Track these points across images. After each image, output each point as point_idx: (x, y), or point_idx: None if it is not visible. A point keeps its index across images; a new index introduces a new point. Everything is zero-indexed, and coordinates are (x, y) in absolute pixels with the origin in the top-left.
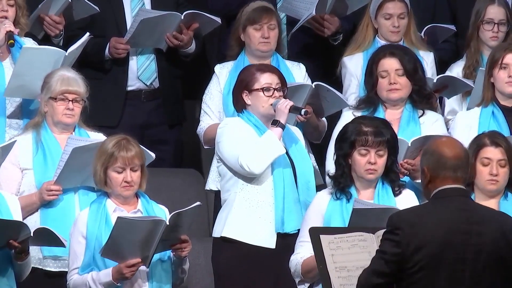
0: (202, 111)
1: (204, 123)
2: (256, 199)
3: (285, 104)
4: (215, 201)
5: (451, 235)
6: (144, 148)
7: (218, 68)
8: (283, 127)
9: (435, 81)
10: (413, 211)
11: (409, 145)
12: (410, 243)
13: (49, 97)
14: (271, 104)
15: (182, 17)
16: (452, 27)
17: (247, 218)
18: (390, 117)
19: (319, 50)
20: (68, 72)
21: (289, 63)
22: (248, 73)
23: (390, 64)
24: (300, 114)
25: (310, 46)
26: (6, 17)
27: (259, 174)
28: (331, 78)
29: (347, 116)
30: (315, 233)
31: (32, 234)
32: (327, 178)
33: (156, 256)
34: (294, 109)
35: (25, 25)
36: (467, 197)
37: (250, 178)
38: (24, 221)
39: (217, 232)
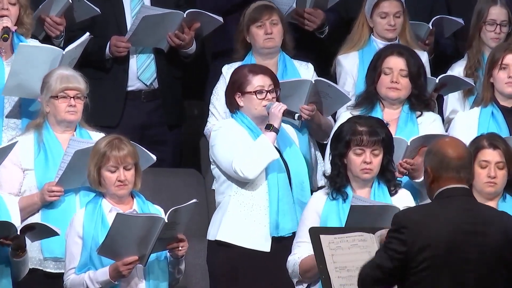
0: (209, 112)
1: (211, 124)
2: (250, 203)
3: (278, 108)
4: None
5: (455, 235)
6: (145, 150)
7: (225, 68)
8: (276, 131)
9: (437, 81)
10: (418, 211)
11: (408, 144)
12: (415, 242)
13: (50, 96)
14: (264, 106)
15: (185, 16)
16: (460, 20)
17: (242, 222)
18: (388, 117)
19: (307, 45)
20: (66, 70)
21: (296, 63)
22: (240, 75)
23: (396, 63)
24: (294, 118)
25: (302, 42)
26: (7, 16)
27: (253, 179)
28: (321, 72)
29: (345, 116)
30: (315, 233)
31: (19, 232)
32: (324, 178)
33: (153, 256)
34: (287, 113)
35: (29, 25)
36: (470, 196)
37: (244, 182)
38: (24, 222)
39: (211, 235)
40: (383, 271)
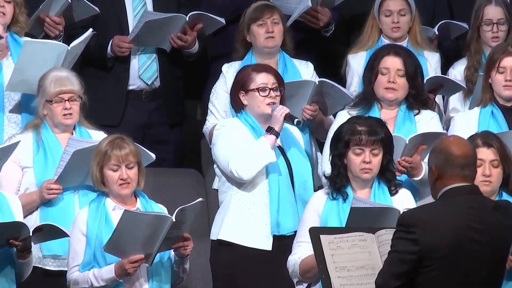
0: (208, 111)
1: (210, 123)
2: (252, 201)
3: (280, 112)
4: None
5: (463, 234)
6: (144, 148)
7: (225, 67)
8: (277, 134)
9: (425, 81)
10: (425, 210)
11: (407, 142)
12: (427, 241)
13: (45, 100)
14: (267, 104)
15: (187, 19)
16: (465, 24)
17: (243, 221)
18: (386, 116)
19: (307, 45)
20: (60, 71)
21: (296, 62)
22: (244, 73)
23: (393, 62)
24: (293, 123)
25: (302, 41)
26: (3, 13)
27: (248, 180)
28: (322, 72)
29: (342, 116)
30: (315, 233)
31: (31, 234)
32: (323, 178)
33: (157, 256)
34: (288, 117)
35: (23, 23)
36: (476, 194)
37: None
38: (24, 220)
39: (214, 234)
40: (398, 277)
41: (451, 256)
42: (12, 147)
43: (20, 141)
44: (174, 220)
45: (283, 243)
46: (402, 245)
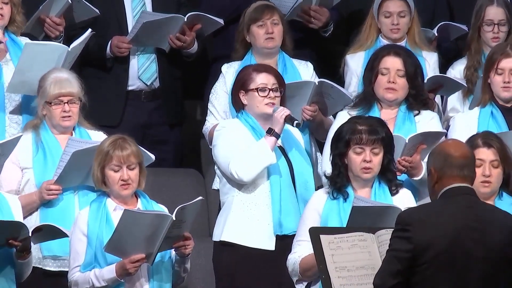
0: (208, 111)
1: (209, 123)
2: (253, 202)
3: (280, 114)
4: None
5: (459, 232)
6: (143, 149)
7: (225, 67)
8: (277, 136)
9: (425, 81)
10: (422, 209)
11: (407, 141)
12: (421, 239)
13: (45, 101)
14: (267, 104)
15: (185, 19)
16: (464, 26)
17: (246, 221)
18: (386, 117)
19: (307, 44)
20: (61, 72)
21: (296, 62)
22: (245, 73)
23: (393, 63)
24: (293, 125)
25: (301, 41)
26: (1, 15)
27: (248, 182)
28: (321, 72)
29: (342, 116)
30: (315, 233)
31: (31, 234)
32: (323, 178)
33: (158, 256)
34: (288, 119)
35: (20, 23)
36: (473, 195)
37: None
38: (24, 221)
39: (216, 235)
40: (395, 276)
41: (447, 254)
42: (13, 142)
43: (21, 135)
44: (174, 218)
45: (286, 243)
46: (398, 243)
